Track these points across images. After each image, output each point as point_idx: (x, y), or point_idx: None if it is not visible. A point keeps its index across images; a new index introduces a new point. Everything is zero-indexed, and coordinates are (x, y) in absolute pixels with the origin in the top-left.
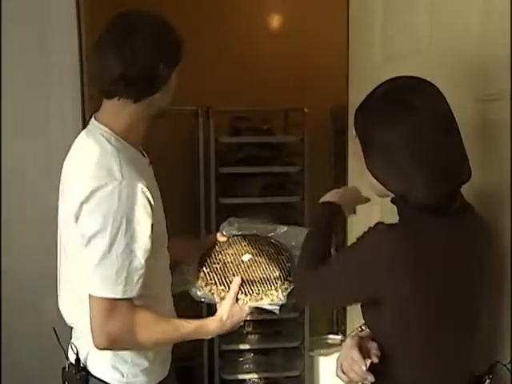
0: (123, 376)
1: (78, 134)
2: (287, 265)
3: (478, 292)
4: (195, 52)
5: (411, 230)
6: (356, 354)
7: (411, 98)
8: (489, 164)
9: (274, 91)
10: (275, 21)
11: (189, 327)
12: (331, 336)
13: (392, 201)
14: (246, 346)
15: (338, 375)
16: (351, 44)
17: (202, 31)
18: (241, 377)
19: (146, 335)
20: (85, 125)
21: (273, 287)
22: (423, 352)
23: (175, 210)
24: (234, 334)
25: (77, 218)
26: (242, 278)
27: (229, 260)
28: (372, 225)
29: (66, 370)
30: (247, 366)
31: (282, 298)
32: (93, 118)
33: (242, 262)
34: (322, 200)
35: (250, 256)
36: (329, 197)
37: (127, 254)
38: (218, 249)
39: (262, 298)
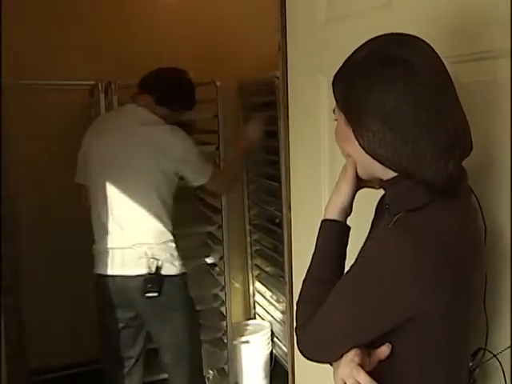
0: None
1: None
2: None
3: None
4: (95, 22)
5: (430, 221)
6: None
7: (405, 54)
8: None
9: (183, 65)
10: None
11: None
12: (247, 322)
13: (384, 184)
14: None
15: None
16: (289, 7)
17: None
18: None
19: None
20: None
21: None
22: (440, 357)
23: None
24: None
25: None
26: None
27: None
28: None
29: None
30: None
31: None
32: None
33: None
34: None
35: None
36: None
37: None
38: None
39: None
